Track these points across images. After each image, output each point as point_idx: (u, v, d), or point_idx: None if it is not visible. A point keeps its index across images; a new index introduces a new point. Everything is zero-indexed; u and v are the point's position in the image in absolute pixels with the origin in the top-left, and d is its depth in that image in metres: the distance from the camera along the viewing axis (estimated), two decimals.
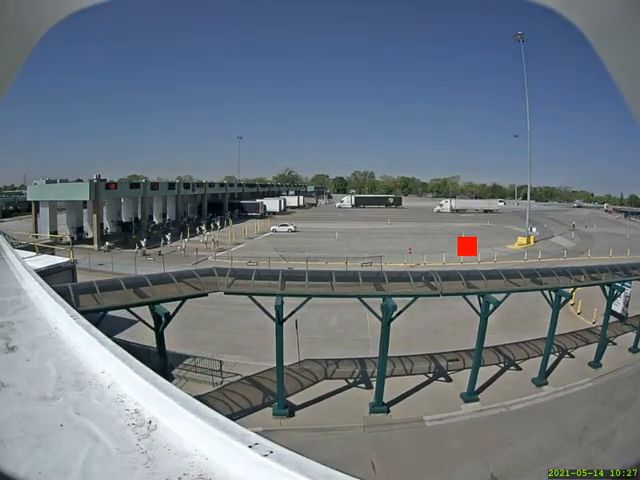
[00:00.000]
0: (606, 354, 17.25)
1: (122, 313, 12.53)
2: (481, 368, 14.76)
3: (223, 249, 37.07)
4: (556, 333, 15.94)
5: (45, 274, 13.45)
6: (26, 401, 2.45)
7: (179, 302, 12.63)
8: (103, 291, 11.78)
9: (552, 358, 16.20)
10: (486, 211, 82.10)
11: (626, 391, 14.83)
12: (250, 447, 1.72)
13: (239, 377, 15.07)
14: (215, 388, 14.32)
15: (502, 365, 16.46)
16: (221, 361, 15.29)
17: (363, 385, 14.95)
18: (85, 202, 44.08)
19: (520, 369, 16.31)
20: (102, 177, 42.96)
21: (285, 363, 13.62)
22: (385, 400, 13.65)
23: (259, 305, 13.34)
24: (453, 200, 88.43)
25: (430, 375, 15.64)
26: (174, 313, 12.43)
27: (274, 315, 13.00)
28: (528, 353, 16.85)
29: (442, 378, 15.55)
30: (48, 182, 46.75)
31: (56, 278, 15.91)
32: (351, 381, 15.19)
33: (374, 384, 14.00)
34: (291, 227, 51.52)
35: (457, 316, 18.94)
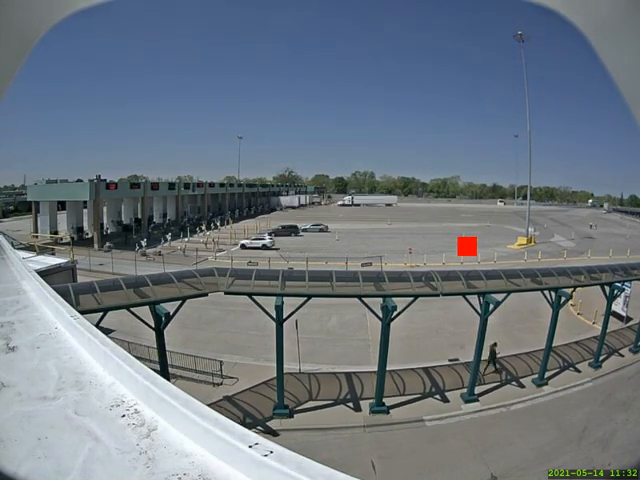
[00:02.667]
0: (606, 354, 17.27)
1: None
2: (481, 369, 14.76)
3: (222, 249, 37.07)
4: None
5: (45, 274, 13.46)
6: (26, 401, 2.45)
7: (179, 302, 12.64)
8: (103, 291, 11.78)
9: (552, 358, 16.16)
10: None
11: (626, 391, 14.82)
12: (250, 447, 1.72)
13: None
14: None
15: (502, 370, 16.44)
16: (221, 361, 15.29)
17: (363, 385, 14.93)
18: (85, 202, 44.14)
19: (519, 369, 16.29)
20: (102, 177, 43.06)
21: (285, 365, 13.61)
22: (385, 400, 13.66)
23: (259, 305, 13.34)
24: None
25: (430, 375, 15.62)
26: (174, 313, 12.42)
27: (274, 315, 13.01)
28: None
29: (442, 378, 15.52)
30: (48, 182, 46.81)
31: (56, 278, 15.92)
32: (350, 382, 15.18)
33: (374, 384, 14.00)
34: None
35: (457, 316, 18.94)
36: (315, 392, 14.49)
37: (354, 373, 15.52)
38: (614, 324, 19.31)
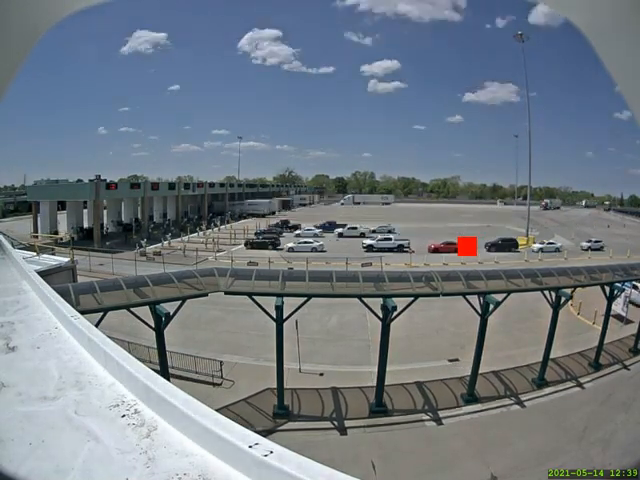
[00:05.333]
0: (606, 354, 17.27)
1: None
2: (481, 369, 14.74)
3: (222, 250, 37.03)
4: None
5: (45, 274, 13.44)
6: (26, 401, 2.45)
7: (179, 302, 12.64)
8: (103, 291, 11.80)
9: (553, 368, 16.13)
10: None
11: (626, 391, 14.82)
12: (250, 447, 1.72)
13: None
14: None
15: (503, 366, 16.42)
16: (221, 361, 15.29)
17: (363, 386, 14.93)
18: (85, 202, 44.22)
19: (520, 369, 16.28)
20: (102, 177, 43.16)
21: (285, 365, 13.60)
22: (385, 400, 13.65)
23: (259, 305, 13.34)
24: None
25: (430, 375, 15.61)
26: (174, 313, 12.43)
27: (274, 315, 13.01)
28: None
29: (442, 378, 15.51)
30: (49, 182, 46.87)
31: (56, 278, 15.85)
32: (351, 382, 15.18)
33: (374, 385, 13.99)
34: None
35: (457, 316, 18.93)
36: (315, 393, 14.48)
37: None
38: (614, 324, 19.30)
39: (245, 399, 13.89)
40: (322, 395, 14.25)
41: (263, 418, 12.96)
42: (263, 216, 60.63)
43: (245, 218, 60.74)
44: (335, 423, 13.01)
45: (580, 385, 15.44)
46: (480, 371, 14.63)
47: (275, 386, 13.57)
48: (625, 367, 16.76)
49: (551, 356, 15.79)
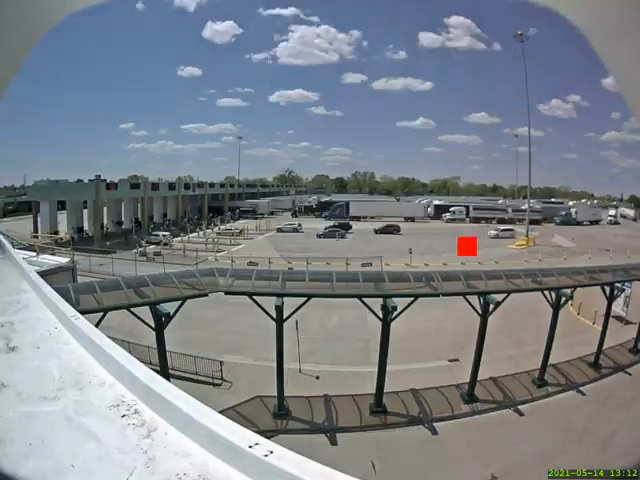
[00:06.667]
0: (606, 355, 17.26)
1: None
2: (481, 369, 14.74)
3: (222, 250, 37.02)
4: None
5: (45, 274, 13.42)
6: (26, 401, 2.45)
7: (179, 302, 12.64)
8: (103, 291, 11.81)
9: (552, 358, 16.13)
10: None
11: (626, 391, 14.81)
12: (250, 447, 1.72)
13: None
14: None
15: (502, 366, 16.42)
16: (221, 362, 15.29)
17: (363, 386, 14.93)
18: (85, 202, 44.23)
19: (520, 369, 16.27)
20: (102, 177, 43.22)
21: (285, 365, 13.59)
22: (385, 400, 13.64)
23: (259, 305, 13.34)
24: None
25: (430, 375, 15.61)
26: (174, 313, 12.42)
27: (274, 315, 13.01)
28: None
29: (442, 378, 15.50)
30: (49, 182, 46.90)
31: (56, 278, 15.86)
32: (350, 381, 15.18)
33: (374, 385, 13.98)
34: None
35: (457, 316, 18.91)
36: (314, 393, 14.48)
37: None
38: (614, 324, 19.28)
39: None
40: (321, 397, 14.25)
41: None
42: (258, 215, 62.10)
43: (245, 218, 61.10)
44: (334, 423, 13.00)
45: (580, 385, 15.42)
46: (480, 371, 14.62)
47: (269, 390, 13.57)
48: (624, 368, 16.75)
49: (551, 356, 15.77)
